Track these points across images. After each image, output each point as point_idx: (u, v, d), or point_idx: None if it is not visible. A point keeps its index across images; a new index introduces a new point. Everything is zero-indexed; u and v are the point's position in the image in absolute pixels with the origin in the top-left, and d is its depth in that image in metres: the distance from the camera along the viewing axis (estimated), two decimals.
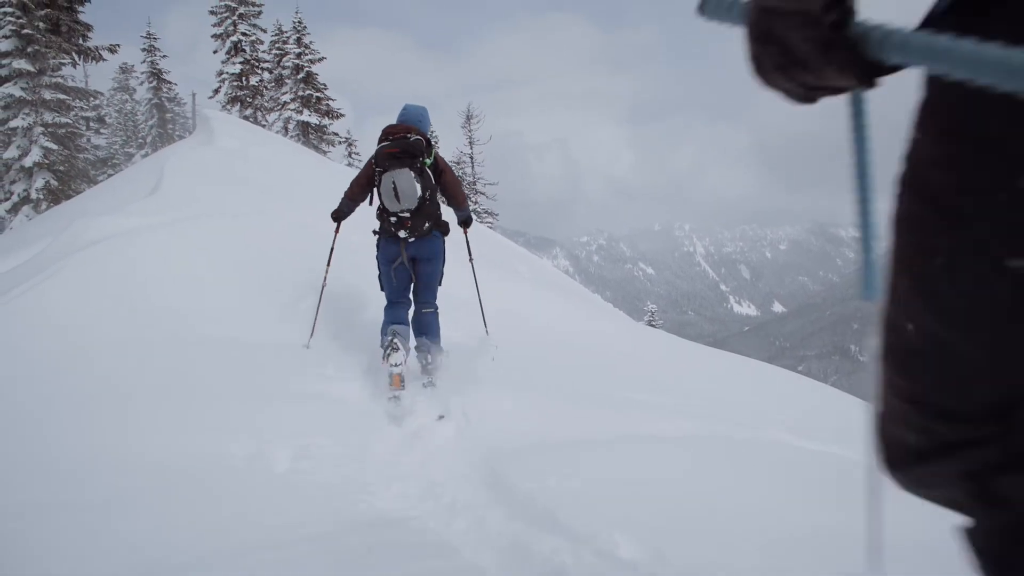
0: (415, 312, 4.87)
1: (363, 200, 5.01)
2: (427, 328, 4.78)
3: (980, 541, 0.90)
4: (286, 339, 5.23)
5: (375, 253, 4.85)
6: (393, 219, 4.62)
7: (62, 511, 2.45)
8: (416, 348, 4.75)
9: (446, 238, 4.88)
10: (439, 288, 4.89)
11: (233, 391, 4.07)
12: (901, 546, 2.69)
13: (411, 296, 4.87)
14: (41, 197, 16.18)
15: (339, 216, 5.25)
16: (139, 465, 3.00)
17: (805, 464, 4.15)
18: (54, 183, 16.35)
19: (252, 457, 3.23)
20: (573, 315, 8.40)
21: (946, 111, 0.80)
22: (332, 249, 5.62)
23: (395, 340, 4.51)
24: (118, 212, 6.84)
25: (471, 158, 32.59)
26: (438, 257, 4.79)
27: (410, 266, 4.76)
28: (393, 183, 4.44)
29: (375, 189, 4.67)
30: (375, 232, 4.82)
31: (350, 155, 31.64)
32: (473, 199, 32.52)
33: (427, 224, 4.63)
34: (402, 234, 4.63)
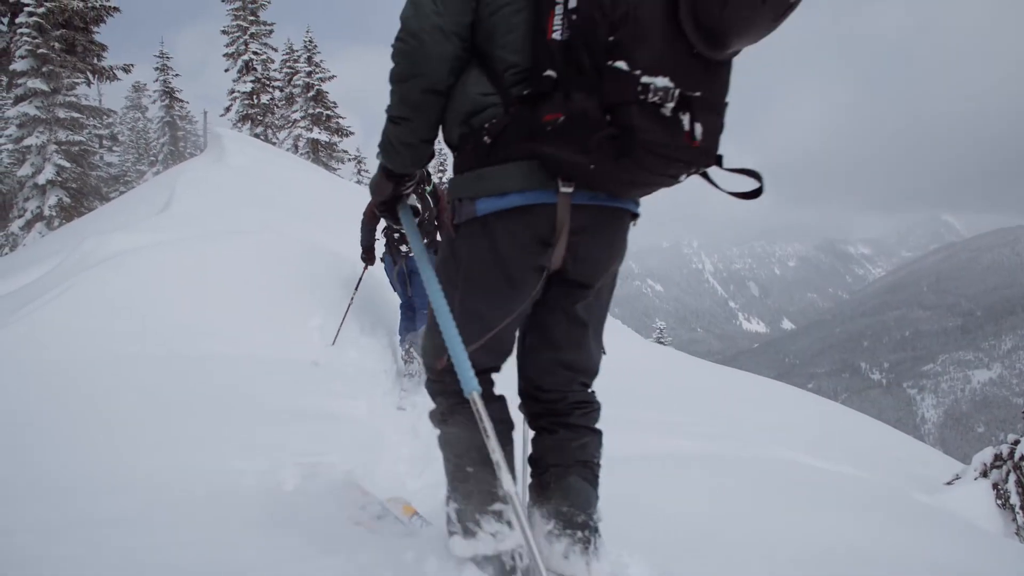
0: (416, 313, 5.62)
1: (377, 222, 5.72)
2: (420, 328, 5.37)
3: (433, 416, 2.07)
4: (295, 356, 5.24)
5: (385, 268, 5.78)
6: (396, 235, 5.50)
7: (68, 528, 2.45)
8: (410, 349, 5.51)
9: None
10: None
11: (242, 408, 4.07)
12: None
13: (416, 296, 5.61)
14: (54, 214, 16.32)
15: (368, 249, 5.84)
16: (146, 482, 3.00)
17: (817, 484, 4.11)
18: (67, 200, 16.51)
19: (261, 475, 3.23)
20: None
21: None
22: (360, 279, 6.20)
23: (412, 349, 5.36)
24: (130, 229, 6.89)
25: None
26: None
27: (407, 276, 5.55)
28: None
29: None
30: (384, 247, 5.71)
31: (359, 172, 31.81)
32: None
33: (425, 240, 5.29)
34: (403, 248, 5.45)
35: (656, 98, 1.47)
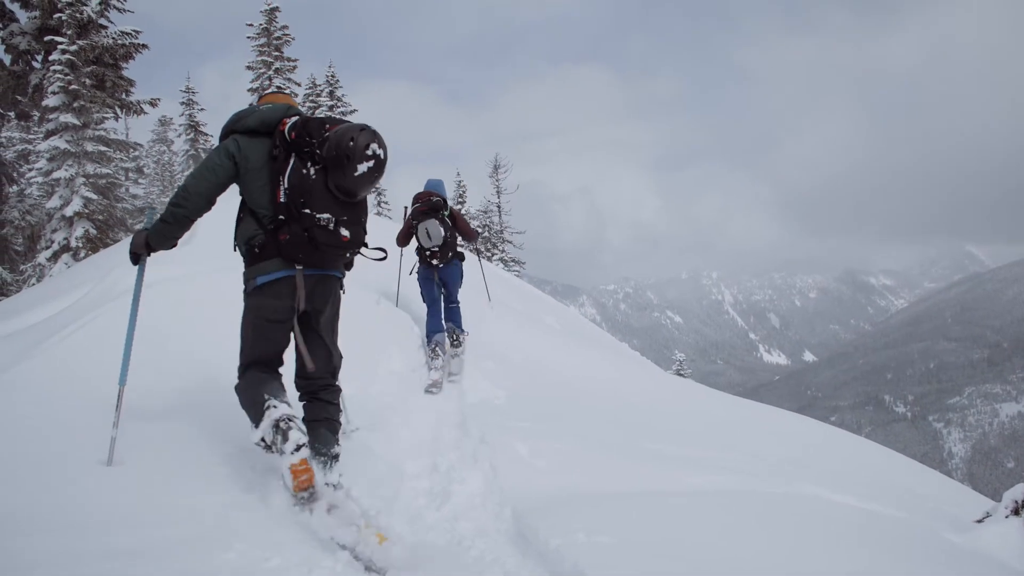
0: (445, 308, 6.98)
1: (407, 244, 7.16)
2: (453, 317, 7.01)
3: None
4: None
5: (418, 279, 6.98)
6: (427, 252, 6.77)
7: (88, 560, 2.45)
8: (447, 331, 6.82)
9: (463, 264, 7.11)
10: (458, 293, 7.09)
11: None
12: None
13: (441, 301, 6.97)
14: (80, 245, 16.61)
15: (403, 244, 7.20)
16: (166, 515, 3.00)
17: (843, 521, 4.03)
18: (93, 232, 16.81)
19: (285, 507, 3.22)
20: (601, 365, 8.34)
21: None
22: (400, 268, 7.87)
23: (437, 348, 6.48)
24: (155, 262, 6.98)
25: (498, 207, 32.93)
26: (457, 278, 7.02)
27: (440, 284, 6.94)
28: (426, 229, 6.65)
29: (414, 235, 6.83)
30: (416, 264, 6.97)
31: (379, 204, 32.15)
32: (500, 247, 32.74)
33: (450, 254, 6.81)
34: (435, 262, 6.79)
35: (324, 223, 3.31)
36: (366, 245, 3.59)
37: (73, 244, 16.68)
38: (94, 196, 16.87)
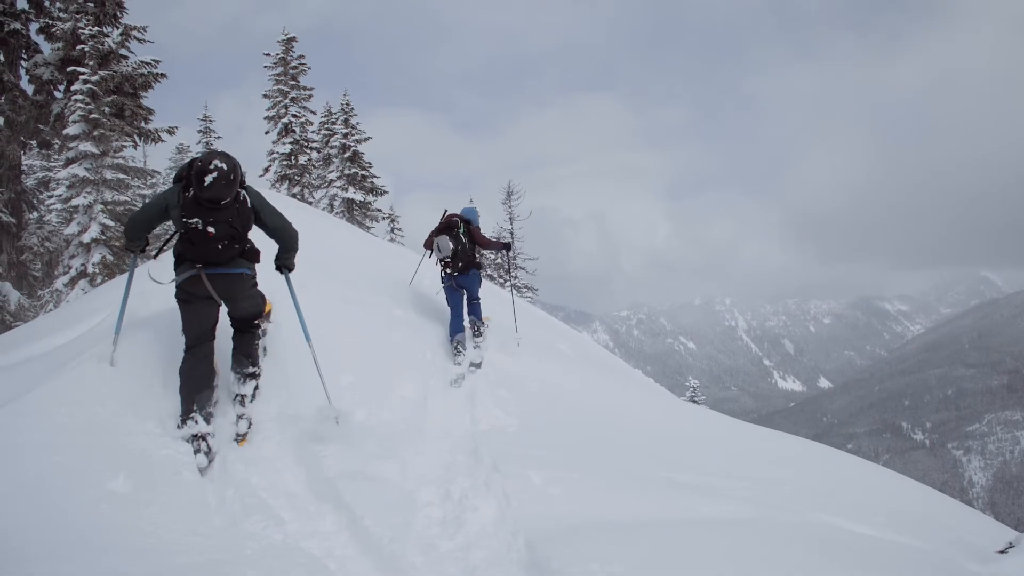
0: (468, 303, 8.07)
1: (429, 250, 8.38)
2: (474, 311, 8.06)
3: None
4: (327, 416, 5.24)
5: (443, 286, 8.13)
6: (444, 262, 7.97)
7: None
8: (469, 323, 7.92)
9: (481, 272, 8.19)
10: (479, 295, 8.16)
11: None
12: None
13: (464, 305, 8.05)
14: (97, 271, 16.78)
15: (428, 246, 8.37)
16: (185, 547, 3.00)
17: (861, 551, 3.96)
18: (110, 258, 16.98)
19: (299, 535, 3.21)
20: (615, 392, 8.29)
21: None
22: (420, 263, 9.79)
23: (458, 346, 7.55)
24: (172, 288, 7.05)
25: (512, 233, 33.02)
26: (475, 282, 8.12)
27: (459, 288, 8.03)
28: (438, 243, 7.94)
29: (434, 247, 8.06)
30: (441, 274, 8.13)
31: (392, 231, 32.33)
32: (513, 274, 32.78)
33: (461, 264, 7.94)
34: (449, 270, 7.97)
35: (195, 230, 4.50)
36: (239, 238, 4.68)
37: (90, 270, 16.84)
38: (111, 223, 17.07)
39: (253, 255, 4.95)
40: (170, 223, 4.87)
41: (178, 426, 4.44)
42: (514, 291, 8.70)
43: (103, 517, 3.20)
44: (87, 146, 16.66)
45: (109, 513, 3.23)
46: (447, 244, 7.90)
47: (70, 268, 17.22)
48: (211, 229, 4.49)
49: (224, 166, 4.46)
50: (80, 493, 3.35)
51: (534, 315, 14.87)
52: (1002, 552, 5.74)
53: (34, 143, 19.59)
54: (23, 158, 20.70)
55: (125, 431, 4.24)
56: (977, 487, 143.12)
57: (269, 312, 5.88)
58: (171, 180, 4.87)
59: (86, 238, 16.79)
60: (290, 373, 5.54)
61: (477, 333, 7.89)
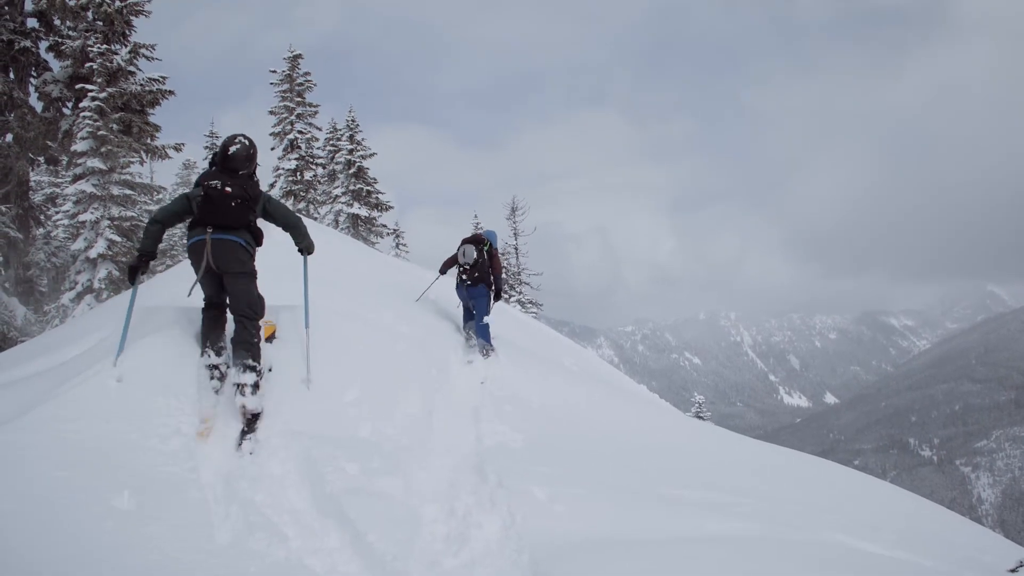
0: (475, 324, 8.63)
1: (447, 269, 9.49)
2: (481, 333, 8.53)
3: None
4: (332, 433, 5.23)
5: (456, 288, 9.09)
6: (461, 268, 8.88)
7: None
8: (478, 346, 8.39)
9: (491, 292, 8.89)
10: (488, 315, 8.68)
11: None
12: None
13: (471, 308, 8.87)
14: (103, 287, 16.85)
15: (443, 270, 9.60)
16: (189, 564, 2.99)
17: (869, 570, 3.93)
18: (116, 273, 17.05)
19: (303, 552, 3.20)
20: (619, 408, 8.27)
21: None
22: (432, 283, 10.01)
23: (469, 332, 8.76)
24: (177, 302, 7.08)
25: (516, 249, 33.06)
26: (482, 296, 8.77)
27: (468, 300, 8.87)
28: (463, 249, 8.92)
29: (456, 255, 9.03)
30: (457, 279, 9.05)
31: (397, 246, 32.39)
32: (517, 289, 32.79)
33: (477, 275, 8.79)
34: (464, 278, 8.86)
35: (214, 190, 5.35)
36: (249, 201, 5.48)
37: (96, 285, 16.91)
38: (118, 238, 17.16)
39: (257, 233, 5.64)
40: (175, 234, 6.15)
41: (200, 355, 5.44)
42: (509, 302, 10.04)
43: (108, 534, 3.19)
44: (94, 162, 16.78)
45: (114, 530, 3.22)
46: (472, 252, 8.86)
47: (76, 283, 17.30)
48: (228, 188, 5.35)
49: (246, 141, 5.59)
50: (85, 510, 3.34)
51: (539, 331, 14.86)
52: (1013, 571, 5.68)
53: (42, 159, 19.74)
54: (31, 174, 20.84)
55: (130, 448, 4.24)
56: (986, 504, 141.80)
57: (272, 335, 6.09)
58: (194, 183, 5.60)
59: (92, 253, 16.87)
60: (294, 392, 5.54)
61: (483, 352, 8.27)
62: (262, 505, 4.17)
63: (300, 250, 6.12)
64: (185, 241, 5.71)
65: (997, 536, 8.22)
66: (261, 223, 5.77)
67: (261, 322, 5.62)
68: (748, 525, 4.50)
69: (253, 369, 5.23)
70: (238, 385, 5.13)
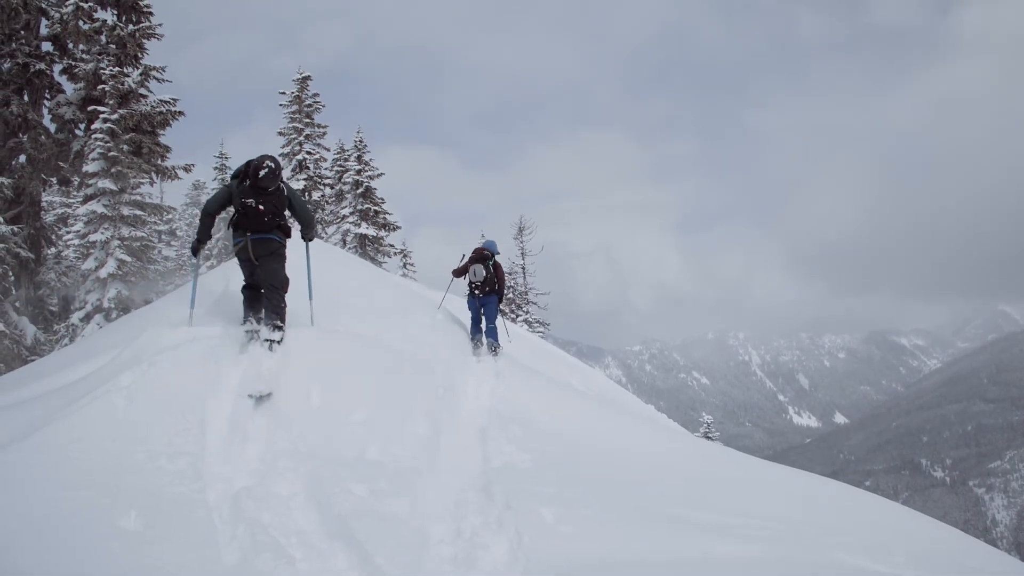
0: (486, 328, 10.24)
1: (461, 275, 10.96)
2: (491, 334, 10.15)
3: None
4: (340, 454, 5.23)
5: (467, 302, 10.79)
6: (473, 285, 10.43)
7: None
8: (487, 345, 9.92)
9: (499, 299, 10.51)
10: (497, 317, 10.38)
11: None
12: None
13: (480, 316, 10.39)
14: (112, 306, 16.93)
15: (457, 275, 11.14)
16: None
17: None
18: (125, 293, 17.14)
19: (310, 574, 3.18)
20: (628, 428, 8.22)
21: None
22: (448, 289, 12.13)
23: (476, 341, 10.09)
24: (185, 323, 7.13)
25: (523, 268, 33.10)
26: (492, 304, 10.32)
27: (480, 307, 10.36)
28: (474, 270, 10.45)
29: (467, 272, 10.65)
30: (467, 295, 10.79)
31: (405, 266, 32.46)
32: (524, 309, 32.78)
33: (488, 288, 10.39)
34: (476, 291, 10.40)
35: (250, 207, 6.84)
36: (278, 214, 6.98)
37: (106, 305, 17.00)
38: (128, 258, 17.27)
39: (286, 230, 7.19)
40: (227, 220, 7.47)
41: (241, 323, 6.91)
42: (506, 318, 11.57)
43: (114, 554, 3.19)
44: (105, 183, 16.93)
45: (120, 551, 3.22)
46: (481, 271, 10.48)
47: (86, 303, 17.39)
48: (261, 206, 6.80)
49: (272, 165, 6.82)
50: (91, 530, 3.34)
51: (547, 351, 14.83)
52: None
53: (54, 180, 19.94)
54: (43, 194, 21.04)
55: (137, 467, 4.24)
56: (1001, 526, 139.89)
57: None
58: (230, 177, 7.18)
59: (103, 273, 16.98)
60: (302, 411, 5.54)
61: (491, 351, 9.83)
62: (269, 526, 4.15)
63: (304, 237, 7.72)
64: (230, 243, 7.56)
65: (1012, 559, 8.09)
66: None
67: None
68: (759, 547, 4.45)
69: (280, 328, 6.63)
70: (267, 340, 6.45)
